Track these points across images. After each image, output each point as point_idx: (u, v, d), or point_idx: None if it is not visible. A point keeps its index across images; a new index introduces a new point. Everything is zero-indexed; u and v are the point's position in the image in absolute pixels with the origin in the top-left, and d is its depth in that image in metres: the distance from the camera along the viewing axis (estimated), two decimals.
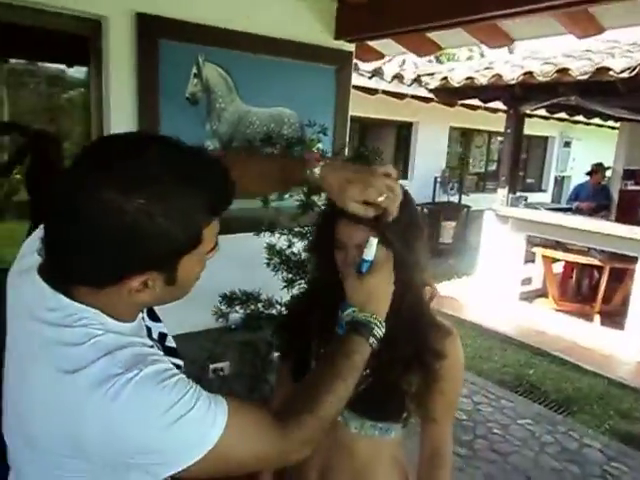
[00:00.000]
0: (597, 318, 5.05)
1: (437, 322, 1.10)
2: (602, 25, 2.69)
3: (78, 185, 0.67)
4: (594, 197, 6.38)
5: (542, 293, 5.74)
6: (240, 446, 0.75)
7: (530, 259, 5.78)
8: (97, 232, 0.66)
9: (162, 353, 0.82)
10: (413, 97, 6.63)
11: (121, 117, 2.44)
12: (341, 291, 1.05)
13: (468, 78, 4.97)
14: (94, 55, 2.45)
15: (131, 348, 0.72)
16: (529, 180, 10.45)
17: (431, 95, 5.99)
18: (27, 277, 0.77)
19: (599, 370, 4.10)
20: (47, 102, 8.04)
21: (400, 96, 6.55)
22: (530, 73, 4.47)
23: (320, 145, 2.77)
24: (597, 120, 7.64)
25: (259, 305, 2.44)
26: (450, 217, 7.89)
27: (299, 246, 2.48)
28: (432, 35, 3.14)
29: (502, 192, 5.43)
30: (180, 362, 0.92)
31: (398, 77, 6.20)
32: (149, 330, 0.90)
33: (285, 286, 2.40)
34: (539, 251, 5.48)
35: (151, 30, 2.43)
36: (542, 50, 5.36)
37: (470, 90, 5.24)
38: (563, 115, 7.26)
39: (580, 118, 7.73)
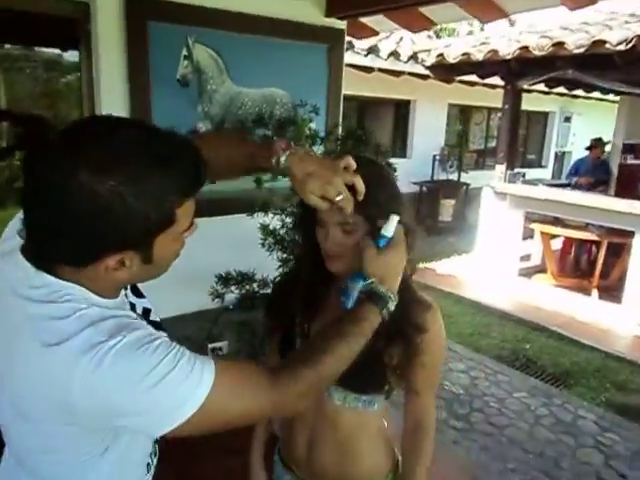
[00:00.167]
0: (595, 293, 5.08)
1: (418, 297, 1.12)
2: None
3: (52, 168, 0.69)
4: (593, 172, 6.36)
5: (541, 269, 5.76)
6: (230, 403, 0.77)
7: (529, 235, 5.79)
8: (71, 214, 0.68)
9: (146, 324, 0.85)
10: (410, 74, 6.57)
11: (112, 99, 2.44)
12: (323, 267, 1.07)
13: (464, 54, 4.92)
14: (84, 38, 2.44)
15: (115, 319, 0.74)
16: (529, 156, 10.40)
17: (428, 72, 5.94)
18: (9, 259, 0.79)
19: (596, 344, 4.14)
20: (44, 87, 8.00)
21: (397, 74, 6.48)
22: (526, 47, 4.43)
23: (312, 125, 2.76)
24: (597, 94, 7.57)
25: (254, 285, 2.47)
26: (449, 195, 7.88)
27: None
28: (425, 10, 3.11)
29: (500, 169, 5.42)
30: (164, 335, 0.95)
31: (394, 54, 6.13)
32: (133, 306, 0.92)
33: (280, 266, 2.42)
34: (537, 227, 5.49)
35: (139, 12, 2.42)
36: (540, 24, 5.30)
37: (466, 66, 5.19)
38: (562, 90, 7.19)
39: (580, 92, 7.66)
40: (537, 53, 4.38)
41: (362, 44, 5.79)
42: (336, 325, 0.92)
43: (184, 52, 2.59)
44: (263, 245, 2.48)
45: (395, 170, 2.33)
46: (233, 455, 1.34)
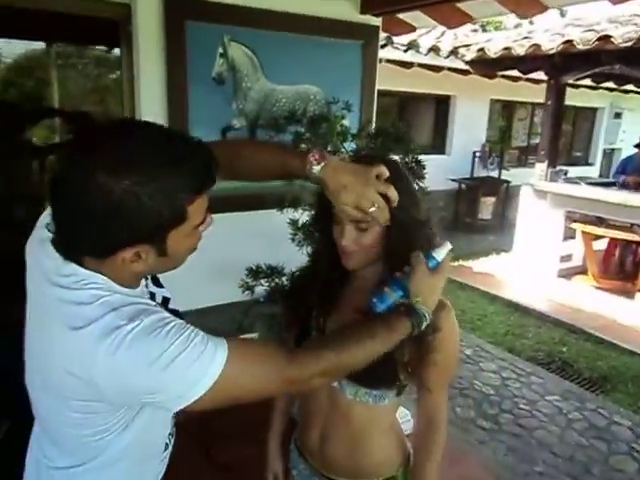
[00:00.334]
0: (639, 296, 4.90)
1: None
2: None
3: (72, 169, 0.75)
4: None
5: (582, 270, 5.59)
6: (243, 379, 0.82)
7: (571, 235, 5.63)
8: (90, 212, 0.74)
9: (163, 310, 0.90)
10: (450, 70, 6.47)
11: (151, 96, 2.53)
12: (339, 264, 1.10)
13: (505, 49, 4.82)
14: (125, 38, 2.55)
15: (134, 305, 0.81)
16: (576, 153, 10.05)
17: (468, 67, 5.84)
18: (44, 246, 0.86)
19: (637, 349, 4.00)
20: (95, 83, 8.30)
21: (437, 69, 6.40)
22: (570, 42, 4.29)
23: (345, 121, 2.78)
24: None
25: (283, 279, 2.52)
26: (489, 193, 7.73)
27: None
28: (462, 5, 3.07)
29: (541, 166, 5.28)
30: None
31: (434, 49, 6.05)
32: (153, 295, 0.99)
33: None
34: (579, 227, 5.32)
35: (178, 12, 2.50)
36: (589, 16, 5.12)
37: (508, 61, 5.08)
38: (611, 85, 6.92)
39: (631, 87, 7.36)
40: (581, 47, 4.24)
41: (401, 39, 5.74)
42: (368, 324, 0.96)
43: (220, 50, 2.66)
44: (293, 240, 2.52)
45: (424, 167, 2.35)
46: (254, 444, 1.39)
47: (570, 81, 5.32)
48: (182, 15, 2.52)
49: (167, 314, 0.83)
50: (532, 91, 7.45)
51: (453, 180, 7.72)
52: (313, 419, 1.22)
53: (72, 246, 0.80)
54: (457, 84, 7.10)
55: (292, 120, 2.66)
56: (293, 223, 2.50)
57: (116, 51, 6.56)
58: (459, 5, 3.05)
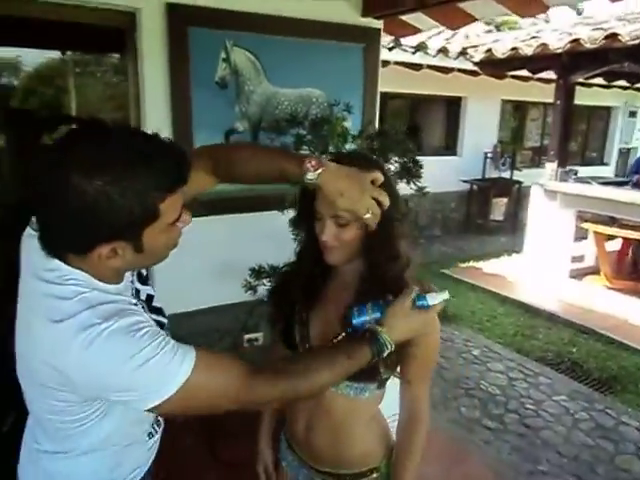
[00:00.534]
0: None
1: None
2: None
3: (48, 172, 0.80)
4: None
5: (594, 271, 5.53)
6: (204, 390, 0.86)
7: (583, 236, 5.58)
8: (65, 211, 0.79)
9: (142, 311, 0.95)
10: (460, 71, 6.45)
11: (155, 101, 2.60)
12: (322, 259, 1.14)
13: (513, 49, 4.81)
14: (130, 45, 2.62)
15: (112, 304, 0.85)
16: (590, 153, 9.93)
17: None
18: (33, 242, 0.90)
19: None
20: (111, 90, 8.46)
21: (446, 70, 6.39)
22: (577, 40, 4.27)
23: (347, 123, 2.82)
24: None
25: None
26: (501, 193, 7.69)
27: None
28: (464, 6, 3.09)
29: (551, 166, 5.24)
30: (164, 320, 1.05)
31: (443, 51, 6.05)
32: (138, 292, 1.02)
33: None
34: (590, 227, 5.27)
35: (180, 18, 2.56)
36: (599, 14, 5.09)
37: (516, 61, 5.07)
38: (624, 83, 6.84)
39: None
40: (589, 46, 4.22)
41: (410, 41, 5.76)
42: (329, 352, 1.00)
43: (222, 55, 2.72)
44: (295, 240, 2.55)
45: (421, 167, 2.37)
46: (227, 467, 1.42)
47: (581, 80, 5.29)
48: (185, 22, 2.58)
49: (142, 318, 0.86)
50: (544, 91, 7.38)
51: (464, 181, 7.68)
52: (299, 411, 1.25)
53: (53, 243, 0.85)
54: (467, 85, 7.08)
55: (294, 123, 2.70)
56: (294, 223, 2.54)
57: None
58: (461, 6, 3.07)
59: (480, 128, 7.78)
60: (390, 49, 5.67)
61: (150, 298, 1.07)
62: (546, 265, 5.28)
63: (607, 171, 9.53)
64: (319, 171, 0.96)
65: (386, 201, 0.99)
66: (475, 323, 4.44)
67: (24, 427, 1.08)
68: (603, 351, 4.00)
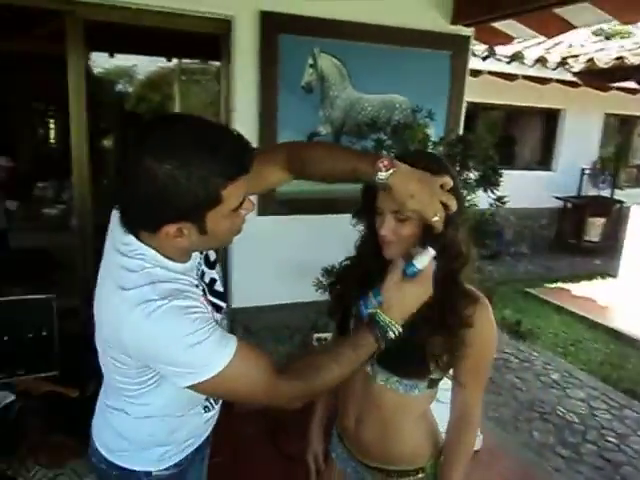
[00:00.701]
0: None
1: (466, 291, 1.14)
2: None
3: (126, 156, 0.89)
4: None
5: None
6: (239, 379, 0.93)
7: None
8: (138, 192, 0.87)
9: (201, 293, 1.02)
10: (558, 82, 6.14)
11: (245, 104, 2.73)
12: (380, 254, 1.16)
13: (618, 58, 4.53)
14: (224, 51, 2.78)
15: (171, 283, 0.93)
16: None
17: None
18: (116, 218, 1.01)
19: None
20: (212, 97, 8.96)
21: (543, 81, 6.11)
22: None
23: (430, 130, 2.80)
24: None
25: None
26: (599, 213, 7.19)
27: None
28: (560, 12, 2.96)
29: None
30: (223, 304, 1.13)
31: (541, 61, 5.79)
32: (203, 274, 1.10)
33: None
34: None
35: (273, 26, 2.68)
36: None
37: (621, 72, 4.76)
38: None
39: None
40: None
41: (505, 50, 5.59)
42: (338, 346, 1.04)
43: (310, 61, 2.81)
44: None
45: (500, 175, 2.31)
46: (287, 460, 1.46)
47: None
48: (277, 29, 2.70)
49: (196, 303, 0.93)
50: None
51: (558, 198, 7.29)
52: (350, 404, 1.28)
53: (128, 220, 0.94)
54: (566, 97, 6.73)
55: (375, 127, 2.73)
56: None
57: None
58: (557, 12, 2.95)
59: (579, 143, 7.35)
60: (484, 58, 5.54)
61: (213, 282, 1.14)
62: None
63: None
64: (391, 171, 0.98)
65: (454, 206, 1.00)
66: (557, 346, 4.20)
67: None
68: None
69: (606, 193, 7.44)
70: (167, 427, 1.09)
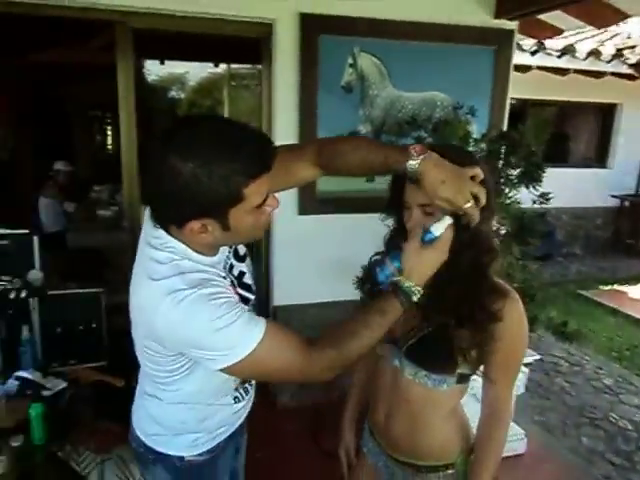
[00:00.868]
0: None
1: (495, 284, 1.12)
2: None
3: (152, 155, 0.93)
4: None
5: None
6: (271, 358, 0.96)
7: None
8: (163, 189, 0.91)
9: (229, 284, 1.06)
10: (614, 75, 5.88)
11: (285, 105, 2.78)
12: None
13: None
14: (265, 54, 2.84)
15: (199, 274, 0.97)
16: None
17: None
18: (147, 216, 1.06)
19: None
20: (260, 100, 9.14)
21: (597, 75, 5.86)
22: None
23: (471, 127, 2.75)
24: None
25: None
26: None
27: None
28: (612, 0, 2.85)
29: None
30: (251, 296, 1.16)
31: (594, 53, 5.56)
32: (231, 267, 1.14)
33: None
34: None
35: (313, 27, 2.72)
36: None
37: None
38: None
39: None
40: None
41: (555, 44, 5.41)
42: (365, 312, 1.04)
43: (349, 61, 2.82)
44: None
45: (543, 170, 2.24)
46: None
47: None
48: (316, 29, 2.73)
49: (222, 289, 0.97)
50: None
51: (614, 196, 6.97)
52: (379, 398, 1.28)
53: (156, 215, 0.99)
54: (623, 91, 6.43)
55: (415, 125, 2.71)
56: None
57: None
58: (608, 0, 2.83)
59: (637, 138, 7.00)
60: (533, 53, 5.38)
61: (242, 274, 1.17)
62: None
63: None
64: (422, 157, 0.98)
65: (484, 199, 0.99)
66: (611, 350, 4.02)
67: None
68: None
69: None
70: (197, 415, 1.14)
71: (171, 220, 0.97)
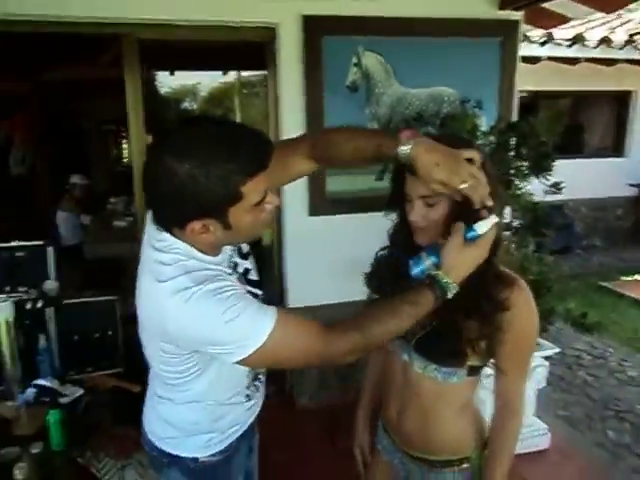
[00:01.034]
0: None
1: (501, 273, 1.11)
2: None
3: (149, 156, 0.95)
4: None
5: None
6: (285, 345, 0.95)
7: None
8: (161, 190, 0.92)
9: (235, 279, 1.06)
10: (627, 62, 5.77)
11: (291, 107, 2.79)
12: (412, 241, 1.15)
13: None
14: (270, 58, 2.86)
15: (205, 271, 0.97)
16: None
17: None
18: (150, 220, 1.07)
19: None
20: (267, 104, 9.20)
21: (609, 62, 5.76)
22: None
23: (478, 120, 2.73)
24: None
25: None
26: None
27: None
28: None
29: None
30: (259, 292, 1.16)
31: (605, 41, 5.46)
32: (236, 265, 1.14)
33: None
34: None
35: (316, 28, 2.73)
36: None
37: None
38: None
39: None
40: None
41: (565, 34, 5.35)
42: (393, 301, 1.02)
43: (354, 60, 2.82)
44: None
45: (553, 160, 2.22)
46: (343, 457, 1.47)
47: None
48: (320, 31, 2.74)
49: (229, 282, 0.97)
50: None
51: (633, 185, 6.83)
52: (391, 394, 1.28)
53: (158, 218, 1.00)
54: (638, 78, 6.32)
55: (422, 121, 2.70)
56: None
57: None
58: None
59: None
60: (542, 44, 5.32)
61: (247, 271, 1.18)
62: None
63: None
64: (413, 141, 0.97)
65: (482, 178, 0.97)
66: (636, 342, 3.94)
67: None
68: None
69: None
70: (210, 415, 1.14)
71: (172, 221, 0.98)
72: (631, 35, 5.29)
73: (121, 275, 2.83)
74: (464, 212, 1.02)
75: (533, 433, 2.48)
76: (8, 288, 2.06)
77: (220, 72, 6.77)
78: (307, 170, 1.20)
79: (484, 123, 2.73)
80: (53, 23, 2.43)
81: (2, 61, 4.47)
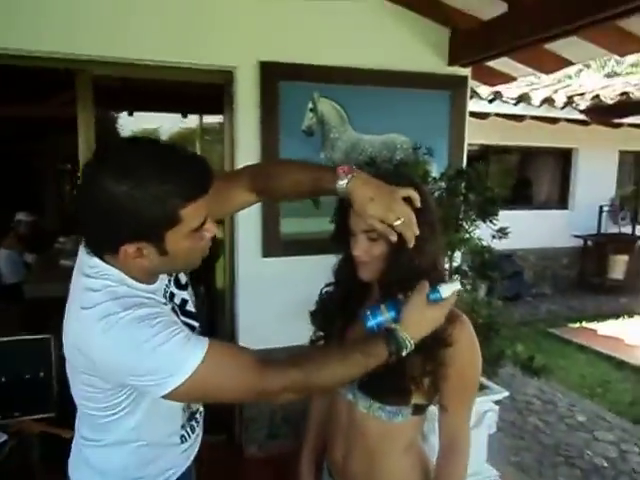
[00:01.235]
0: None
1: None
2: None
3: (84, 177, 0.91)
4: None
5: None
6: (217, 377, 0.90)
7: None
8: (96, 211, 0.89)
9: (169, 310, 1.02)
10: (568, 121, 6.17)
11: (247, 148, 2.80)
12: (356, 277, 1.14)
13: (622, 94, 4.55)
14: (227, 101, 2.89)
15: (136, 298, 0.93)
16: None
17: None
18: (83, 246, 1.03)
19: None
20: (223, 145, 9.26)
21: (553, 121, 6.14)
22: None
23: (429, 167, 2.82)
24: None
25: None
26: (621, 250, 7.03)
27: None
28: (555, 48, 3.01)
29: None
30: (195, 324, 1.12)
31: (548, 101, 5.83)
32: (172, 295, 1.10)
33: None
34: None
35: (272, 74, 2.79)
36: None
37: (628, 107, 4.76)
38: None
39: None
40: None
41: (512, 93, 5.68)
42: (345, 347, 1.01)
43: (310, 106, 2.89)
44: None
45: (497, 204, 2.29)
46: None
47: None
48: (276, 77, 2.80)
49: (159, 310, 0.93)
50: None
51: (577, 236, 7.16)
52: (336, 436, 1.23)
53: (90, 241, 0.95)
54: (578, 136, 6.74)
55: (374, 166, 2.76)
56: None
57: None
58: (551, 49, 3.00)
59: (594, 181, 7.29)
60: (490, 101, 5.62)
61: (184, 302, 1.14)
62: None
63: None
64: (349, 176, 0.99)
65: (413, 218, 0.98)
66: (583, 387, 4.02)
67: None
68: None
69: (627, 230, 7.29)
70: (140, 458, 1.06)
71: (106, 244, 0.93)
72: (569, 97, 5.67)
73: (61, 315, 2.70)
74: (430, 274, 1.04)
75: None
76: None
77: (181, 116, 6.78)
78: (248, 202, 1.19)
79: (435, 170, 2.83)
80: (5, 56, 2.40)
81: None
